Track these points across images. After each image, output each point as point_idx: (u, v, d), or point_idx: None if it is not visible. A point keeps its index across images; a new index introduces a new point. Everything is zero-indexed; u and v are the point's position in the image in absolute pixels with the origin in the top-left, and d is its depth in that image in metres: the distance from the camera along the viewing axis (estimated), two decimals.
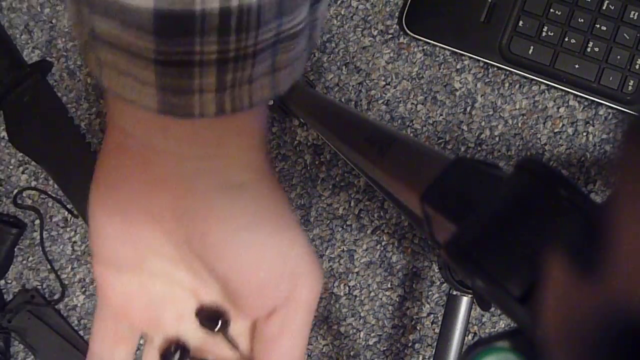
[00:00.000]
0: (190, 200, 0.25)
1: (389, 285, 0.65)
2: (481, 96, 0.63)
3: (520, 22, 0.61)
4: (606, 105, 0.62)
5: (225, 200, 0.25)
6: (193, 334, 0.30)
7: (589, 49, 0.61)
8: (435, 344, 0.55)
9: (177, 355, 0.30)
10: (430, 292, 0.64)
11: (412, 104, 0.64)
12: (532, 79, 0.62)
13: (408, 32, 0.62)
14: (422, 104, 0.64)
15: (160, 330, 0.30)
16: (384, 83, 0.64)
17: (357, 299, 0.65)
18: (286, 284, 0.27)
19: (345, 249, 0.65)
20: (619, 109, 0.62)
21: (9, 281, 0.66)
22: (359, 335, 0.65)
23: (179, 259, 0.27)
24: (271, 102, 0.60)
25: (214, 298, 0.28)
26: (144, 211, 0.26)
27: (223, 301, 0.28)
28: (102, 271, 0.28)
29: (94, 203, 0.27)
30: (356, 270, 0.65)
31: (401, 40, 0.64)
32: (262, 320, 0.28)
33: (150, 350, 0.31)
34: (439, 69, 0.64)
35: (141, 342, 0.31)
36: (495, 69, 0.63)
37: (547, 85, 0.62)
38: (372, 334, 0.65)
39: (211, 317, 0.29)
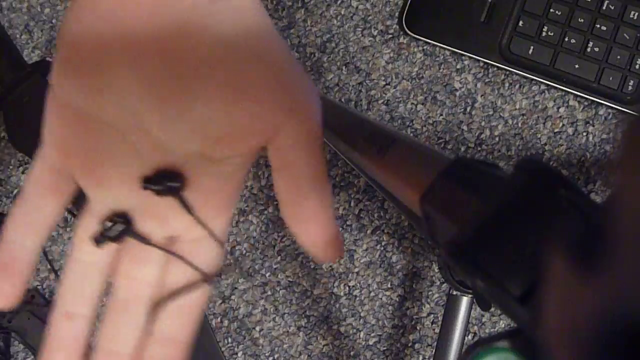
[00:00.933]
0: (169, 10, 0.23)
1: (389, 285, 0.65)
2: (481, 96, 0.63)
3: (520, 22, 0.61)
4: (606, 105, 0.62)
5: (211, 10, 0.23)
6: (140, 200, 0.26)
7: (589, 49, 0.61)
8: (435, 344, 0.55)
9: (117, 227, 0.25)
10: (430, 292, 0.64)
11: (412, 104, 0.64)
12: (532, 79, 0.62)
13: (408, 32, 0.62)
14: (422, 104, 0.64)
15: (101, 190, 0.26)
16: (384, 83, 0.64)
17: (357, 299, 0.65)
18: (284, 100, 0.25)
19: (345, 248, 0.65)
20: (619, 109, 0.62)
21: None
22: (359, 335, 0.65)
23: (152, 98, 0.23)
24: None
25: (182, 153, 0.25)
26: (120, 27, 0.23)
27: (192, 157, 0.25)
28: (56, 106, 0.25)
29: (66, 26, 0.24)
30: (356, 270, 0.65)
31: (401, 40, 0.64)
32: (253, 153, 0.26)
33: (88, 218, 0.27)
34: (439, 69, 0.64)
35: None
36: (495, 69, 0.63)
37: (547, 85, 0.62)
38: (372, 334, 0.65)
39: (166, 177, 0.24)
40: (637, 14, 0.61)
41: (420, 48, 0.64)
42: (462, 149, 0.64)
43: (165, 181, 0.25)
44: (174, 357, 0.28)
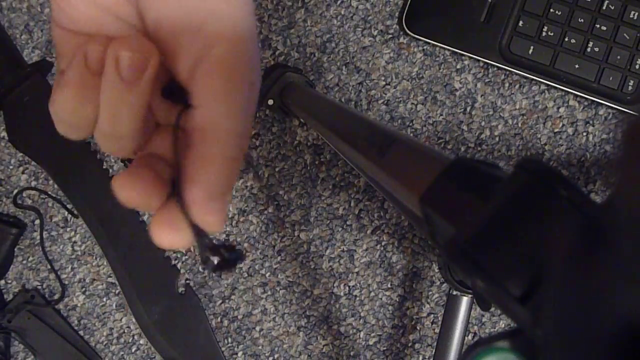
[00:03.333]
0: None
1: (389, 285, 0.65)
2: (481, 96, 0.63)
3: (520, 22, 0.61)
4: (606, 105, 0.62)
5: None
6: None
7: (589, 49, 0.61)
8: (435, 344, 0.55)
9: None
10: (430, 292, 0.64)
11: (412, 104, 0.64)
12: (532, 79, 0.62)
13: (408, 32, 0.62)
14: (422, 104, 0.64)
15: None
16: (384, 83, 0.64)
17: (357, 299, 0.65)
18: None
19: (345, 249, 0.65)
20: (619, 109, 0.62)
21: (9, 281, 0.66)
22: (359, 335, 0.65)
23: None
24: (271, 103, 0.60)
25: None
26: None
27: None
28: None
29: None
30: (356, 270, 0.65)
31: (401, 40, 0.64)
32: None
33: None
34: (439, 69, 0.64)
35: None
36: (495, 69, 0.63)
37: (547, 85, 0.62)
38: (372, 334, 0.65)
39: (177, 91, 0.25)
40: (637, 14, 0.61)
41: (420, 48, 0.64)
42: (462, 149, 0.64)
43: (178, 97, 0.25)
44: None
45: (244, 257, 0.24)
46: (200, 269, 0.66)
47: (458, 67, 0.63)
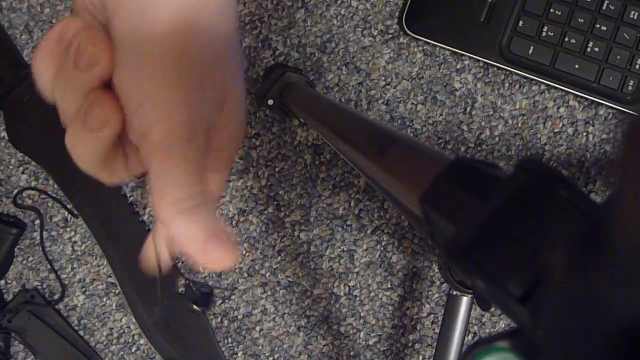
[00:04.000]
0: None
1: (389, 285, 0.65)
2: (481, 96, 0.63)
3: (520, 22, 0.61)
4: (606, 105, 0.62)
5: None
6: None
7: (589, 49, 0.61)
8: (435, 344, 0.55)
9: None
10: (430, 292, 0.64)
11: (412, 104, 0.64)
12: (532, 79, 0.62)
13: (408, 32, 0.62)
14: (422, 104, 0.64)
15: None
16: (384, 83, 0.64)
17: (357, 299, 0.65)
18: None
19: (345, 249, 0.65)
20: (619, 109, 0.62)
21: (9, 281, 0.66)
22: (359, 335, 0.65)
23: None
24: (271, 103, 0.60)
25: None
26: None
27: None
28: None
29: None
30: (356, 270, 0.65)
31: (401, 40, 0.64)
32: None
33: None
34: (439, 69, 0.64)
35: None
36: (495, 69, 0.63)
37: (547, 85, 0.62)
38: (372, 334, 0.65)
39: None
40: (637, 14, 0.61)
41: (420, 48, 0.64)
42: (462, 149, 0.64)
43: None
44: None
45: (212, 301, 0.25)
46: (200, 269, 0.66)
47: (458, 67, 0.63)
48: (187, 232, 0.25)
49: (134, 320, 0.65)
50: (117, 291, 0.66)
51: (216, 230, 0.25)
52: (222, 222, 0.27)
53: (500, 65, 0.62)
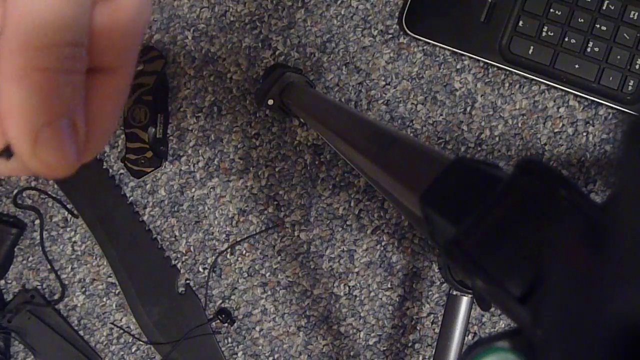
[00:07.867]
0: None
1: (389, 285, 0.65)
2: (481, 96, 0.63)
3: (520, 22, 0.61)
4: (606, 105, 0.62)
5: None
6: None
7: (589, 49, 0.61)
8: (435, 344, 0.55)
9: None
10: (430, 292, 0.64)
11: (412, 104, 0.64)
12: (532, 79, 0.62)
13: (408, 32, 0.62)
14: (422, 104, 0.64)
15: None
16: (384, 83, 0.64)
17: (357, 299, 0.65)
18: None
19: (345, 249, 0.65)
20: (619, 109, 0.62)
21: (9, 281, 0.66)
22: (359, 335, 0.65)
23: None
24: (271, 103, 0.60)
25: None
26: None
27: None
28: None
29: None
30: (356, 270, 0.65)
31: (401, 40, 0.64)
32: None
33: None
34: (439, 69, 0.64)
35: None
36: (495, 69, 0.63)
37: (547, 85, 0.62)
38: (372, 334, 0.65)
39: None
40: (637, 14, 0.61)
41: (420, 48, 0.64)
42: (462, 149, 0.64)
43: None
44: None
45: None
46: (200, 269, 0.66)
47: (458, 67, 0.63)
48: (19, 105, 0.17)
49: (134, 320, 0.65)
50: (117, 291, 0.66)
51: (61, 116, 0.18)
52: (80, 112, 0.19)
53: (500, 65, 0.62)
